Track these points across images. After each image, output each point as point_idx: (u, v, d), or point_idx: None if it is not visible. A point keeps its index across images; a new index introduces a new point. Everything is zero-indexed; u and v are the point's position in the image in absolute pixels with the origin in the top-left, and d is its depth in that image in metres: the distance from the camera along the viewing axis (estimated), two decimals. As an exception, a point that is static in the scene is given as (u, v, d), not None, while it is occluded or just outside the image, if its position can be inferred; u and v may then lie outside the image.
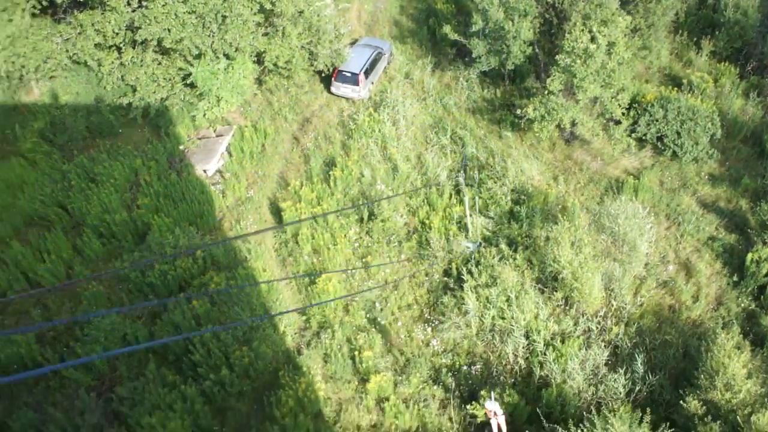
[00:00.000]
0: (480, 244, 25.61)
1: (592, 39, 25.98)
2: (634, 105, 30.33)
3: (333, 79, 32.82)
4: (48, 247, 25.39)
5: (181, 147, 30.32)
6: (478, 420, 20.89)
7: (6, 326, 23.60)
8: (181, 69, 30.39)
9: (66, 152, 29.73)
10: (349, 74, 32.40)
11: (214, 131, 31.38)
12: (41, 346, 22.89)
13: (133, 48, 29.69)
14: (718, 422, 18.51)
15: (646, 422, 17.92)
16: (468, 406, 20.99)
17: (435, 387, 22.21)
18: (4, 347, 22.28)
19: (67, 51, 29.83)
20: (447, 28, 31.89)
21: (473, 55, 30.88)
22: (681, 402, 19.62)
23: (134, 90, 30.80)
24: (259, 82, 33.04)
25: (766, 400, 18.49)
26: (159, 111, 31.06)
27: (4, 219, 26.84)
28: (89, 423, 20.40)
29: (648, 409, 18.85)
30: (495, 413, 19.24)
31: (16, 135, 30.48)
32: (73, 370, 22.05)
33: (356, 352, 22.83)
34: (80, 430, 20.30)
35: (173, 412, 20.51)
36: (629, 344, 22.48)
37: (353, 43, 35.09)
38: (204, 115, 30.94)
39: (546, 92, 27.89)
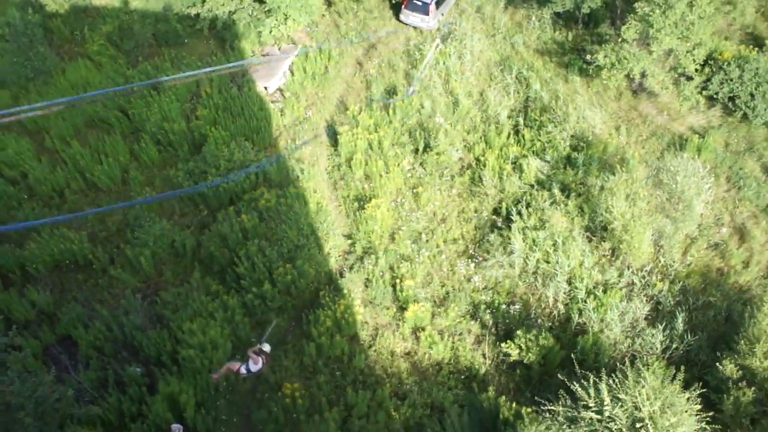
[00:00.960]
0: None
1: (675, -11, 25.14)
2: (709, 62, 29.24)
3: (403, 6, 32.35)
4: (106, 150, 25.94)
5: (245, 62, 30.39)
6: (511, 359, 21.01)
7: (61, 222, 24.21)
8: (251, -16, 30.33)
9: (131, 58, 30.10)
10: (420, 3, 31.87)
11: (279, 49, 31.36)
12: (93, 244, 23.56)
13: (205, -42, 29.69)
14: (753, 388, 18.30)
15: (679, 380, 17.71)
16: (503, 345, 21.12)
17: (472, 322, 22.33)
18: (58, 243, 23.00)
19: (140, -45, 29.98)
20: (524, -36, 31.16)
21: (548, -5, 30.18)
22: (717, 364, 19.39)
23: (203, 1, 30.83)
24: (329, 3, 32.81)
25: (805, 371, 18.20)
26: (226, 24, 31.12)
27: (67, 119, 27.42)
28: (133, 323, 21.06)
29: (682, 368, 18.62)
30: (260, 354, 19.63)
31: (84, 37, 30.94)
32: (121, 270, 22.69)
33: (397, 280, 23.01)
34: (124, 328, 21.01)
35: (214, 320, 21.06)
36: (672, 302, 22.21)
37: (427, -29, 34.46)
38: (270, 31, 30.94)
39: (619, 40, 27.17)
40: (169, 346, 20.59)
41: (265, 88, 29.37)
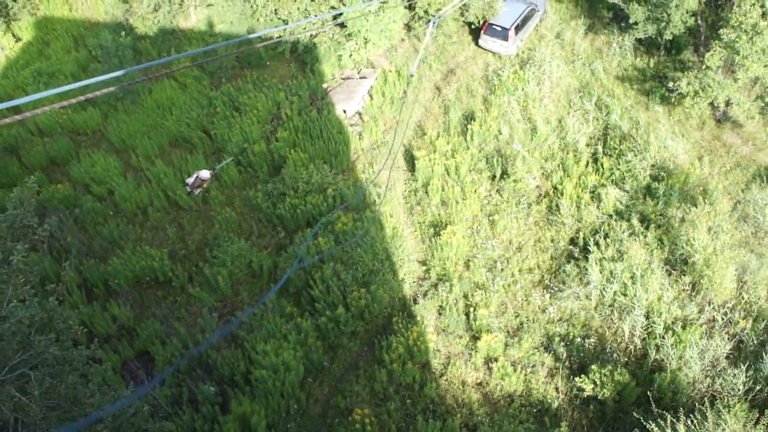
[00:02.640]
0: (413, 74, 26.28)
1: (763, 15, 24.48)
2: (797, 89, 28.49)
3: (482, 31, 32.34)
4: (189, 169, 26.58)
5: (325, 85, 30.85)
6: (585, 394, 20.67)
7: (144, 239, 25.02)
8: (333, 8, 30.76)
9: (215, 79, 30.88)
10: (499, 28, 31.81)
11: (358, 72, 31.70)
12: (173, 262, 24.18)
13: (290, -18, 30.28)
14: (843, 437, 17.60)
15: (763, 424, 17.19)
16: (576, 379, 20.79)
17: (545, 354, 22.07)
18: (140, 260, 23.69)
19: (226, -20, 30.74)
20: (606, -10, 30.88)
21: (630, 21, 29.66)
22: (806, 409, 18.70)
23: (285, 23, 31.42)
24: (408, 28, 33.04)
25: None
26: (307, 47, 31.67)
27: (152, 137, 28.31)
28: (209, 341, 21.47)
29: (766, 411, 18.08)
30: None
31: (171, 58, 31.79)
32: (199, 289, 23.20)
33: (471, 309, 22.94)
34: (199, 346, 21.41)
35: (287, 342, 21.34)
36: (755, 341, 21.51)
37: (507, -4, 34.38)
38: (350, 55, 31.33)
39: (703, 67, 26.56)
40: (243, 366, 20.96)
41: (344, 111, 29.72)
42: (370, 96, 30.61)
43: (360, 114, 30.11)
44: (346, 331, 22.16)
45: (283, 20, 31.48)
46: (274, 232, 25.43)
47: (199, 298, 23.27)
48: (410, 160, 27.82)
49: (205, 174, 22.02)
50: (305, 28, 31.08)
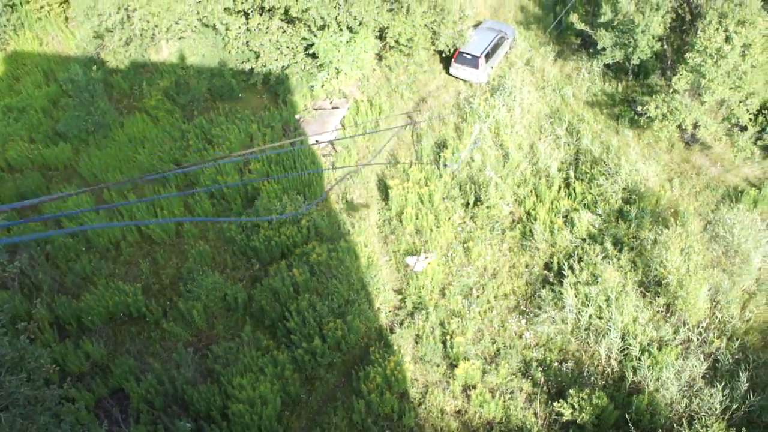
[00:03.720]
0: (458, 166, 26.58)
1: (727, 39, 24.90)
2: (763, 111, 28.84)
3: (453, 60, 32.62)
4: (162, 203, 26.42)
5: (297, 116, 30.93)
6: (564, 418, 20.65)
7: (117, 275, 24.79)
8: (304, 39, 30.95)
9: (187, 112, 30.84)
10: (469, 56, 32.10)
11: (330, 103, 31.81)
12: (146, 297, 23.96)
13: (260, 15, 30.39)
14: (818, 452, 17.71)
15: (741, 442, 17.29)
16: (555, 404, 20.77)
17: (523, 380, 22.05)
18: (113, 295, 23.45)
19: (197, 13, 30.81)
20: (574, 17, 31.27)
21: (598, 47, 30.09)
22: (781, 427, 18.84)
23: (257, 56, 31.54)
24: (379, 57, 33.27)
25: None
26: (279, 78, 31.76)
27: (124, 171, 28.12)
28: (184, 376, 21.25)
29: (743, 430, 18.17)
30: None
31: (142, 91, 31.81)
32: (174, 324, 22.99)
33: (448, 337, 22.90)
34: (175, 382, 21.19)
35: (264, 375, 21.17)
36: (731, 360, 21.64)
37: (477, 25, 34.62)
38: (322, 86, 31.45)
39: (671, 90, 26.97)
40: (219, 401, 20.73)
41: (317, 141, 29.76)
42: (343, 126, 30.70)
43: (332, 144, 30.15)
44: (323, 362, 22.02)
45: (255, 52, 31.58)
46: (248, 264, 25.28)
47: (173, 332, 23.03)
48: (383, 189, 27.86)
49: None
50: (277, 59, 31.16)
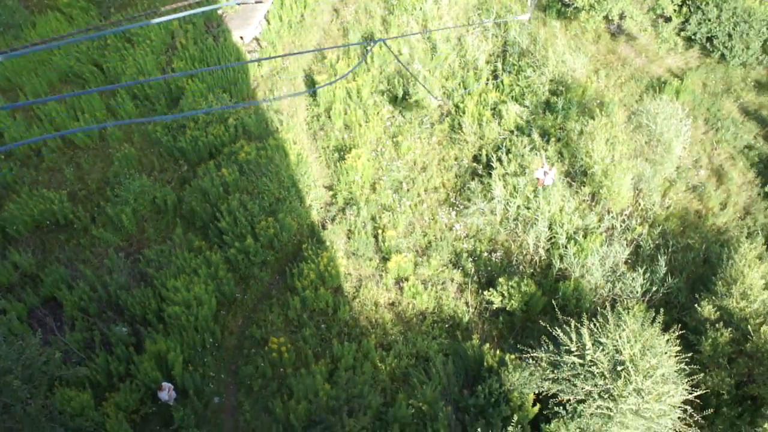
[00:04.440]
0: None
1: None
2: (687, 2, 29.08)
3: (378, -50, 31.76)
4: (82, 106, 25.55)
5: (219, 11, 29.89)
6: (494, 306, 21.31)
7: (40, 182, 24.12)
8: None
9: (103, 9, 29.53)
10: (395, -53, 31.28)
11: (254, -4, 30.82)
12: (73, 204, 23.43)
13: None
14: (729, 329, 18.69)
15: (659, 322, 18.09)
16: (485, 293, 21.37)
17: (454, 271, 22.55)
18: (38, 203, 22.83)
19: None
20: None
21: (525, -64, 29.70)
22: (695, 306, 19.75)
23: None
24: (303, -52, 32.20)
25: (780, 312, 18.62)
26: (199, -29, 30.51)
27: (39, 74, 27.00)
28: (117, 282, 21.07)
29: (662, 310, 19.00)
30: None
31: (54, -12, 30.27)
32: (103, 229, 22.62)
33: (380, 231, 23.15)
34: (108, 287, 21.01)
35: (198, 276, 21.14)
36: (651, 245, 22.50)
37: None
38: (244, -22, 30.36)
39: (597, -20, 26.94)
40: (154, 304, 20.67)
41: (241, 37, 28.92)
42: (267, 21, 29.82)
43: (257, 40, 29.35)
44: (256, 261, 22.07)
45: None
46: (176, 165, 24.83)
47: (103, 238, 22.66)
48: (311, 85, 27.44)
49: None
50: (195, -47, 29.88)
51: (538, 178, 23.06)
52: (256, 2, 30.26)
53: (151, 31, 27.72)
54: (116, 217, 22.64)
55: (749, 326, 18.42)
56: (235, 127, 24.98)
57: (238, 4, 30.29)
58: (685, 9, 28.65)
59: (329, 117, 26.37)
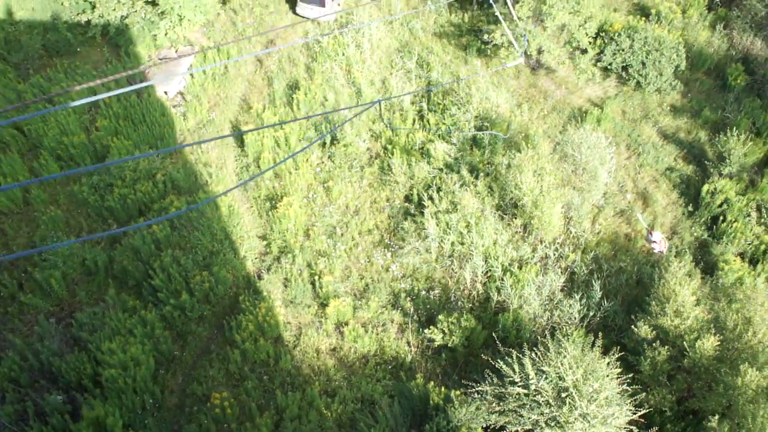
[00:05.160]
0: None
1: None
2: (601, 34, 30.15)
3: (299, -1, 32.15)
4: (4, 170, 24.97)
5: (142, 67, 29.73)
6: (435, 344, 21.30)
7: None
8: (142, -13, 29.61)
9: (21, 71, 29.01)
10: (315, -5, 31.70)
11: (176, 51, 30.76)
12: (-1, 271, 22.81)
13: (92, -38, 28.85)
14: (666, 347, 19.04)
15: (598, 346, 18.37)
16: (426, 330, 21.36)
17: (394, 311, 22.53)
18: (-40, 270, 22.19)
19: (22, -35, 28.89)
20: (414, -51, 31.36)
21: (440, -22, 30.43)
22: (632, 327, 20.09)
23: (93, 7, 29.97)
24: (223, 1, 32.33)
25: (711, 326, 19.01)
26: (119, 29, 30.31)
27: (-42, 142, 26.36)
28: (49, 348, 20.40)
29: (600, 334, 19.32)
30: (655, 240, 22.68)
31: (-32, 52, 29.70)
32: (32, 295, 22.00)
33: (316, 277, 23.03)
34: (40, 355, 20.30)
35: (134, 337, 20.61)
36: (585, 271, 22.88)
37: (319, -38, 34.15)
38: (165, 34, 30.29)
39: (514, 18, 27.61)
40: (90, 368, 20.04)
41: (165, 92, 28.79)
42: (191, 75, 29.79)
43: (182, 94, 29.27)
44: (193, 316, 21.70)
45: (90, 2, 29.97)
46: (105, 225, 24.35)
47: (32, 304, 21.98)
48: (238, 136, 27.38)
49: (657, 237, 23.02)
50: (115, 9, 29.70)
51: (654, 247, 23.48)
52: (179, 57, 30.22)
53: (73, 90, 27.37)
54: (45, 281, 22.02)
55: (685, 342, 18.78)
56: (164, 183, 24.71)
57: (161, 60, 30.23)
58: (599, 40, 29.64)
59: (258, 166, 26.29)
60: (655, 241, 23.02)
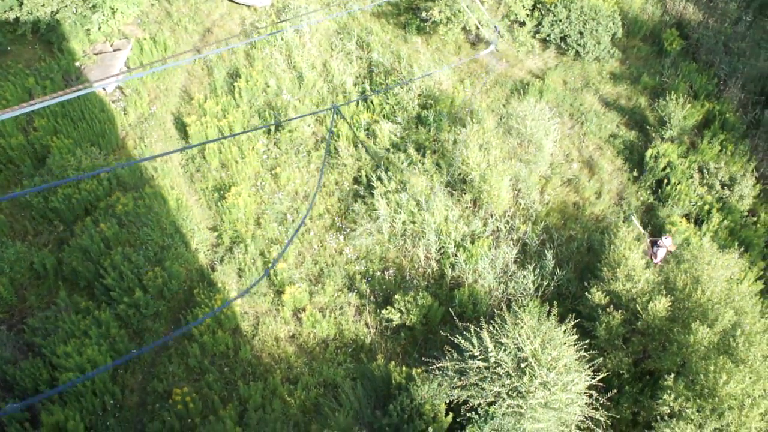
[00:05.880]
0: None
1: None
2: (537, 6, 30.35)
3: (232, -14, 31.72)
4: (-62, 180, 24.33)
5: (77, 64, 29.05)
6: (394, 323, 21.42)
7: None
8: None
9: (-51, 73, 28.20)
10: (249, -19, 31.33)
11: (111, 45, 30.12)
12: (-57, 281, 22.19)
13: (16, -44, 28.03)
14: (620, 311, 19.41)
15: (554, 315, 18.65)
16: (383, 311, 21.44)
17: (350, 294, 22.56)
18: None
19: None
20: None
21: (375, -43, 30.29)
22: (586, 294, 20.40)
23: (21, 3, 29.15)
24: (156, -9, 31.79)
25: (662, 287, 19.41)
26: (50, 26, 29.55)
27: None
28: (2, 356, 19.97)
29: (555, 303, 19.62)
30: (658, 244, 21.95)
31: None
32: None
33: (270, 265, 22.92)
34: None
35: (89, 338, 20.27)
36: (537, 242, 23.18)
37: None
38: (99, 28, 29.65)
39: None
40: (46, 374, 19.65)
41: (103, 88, 28.22)
42: (128, 68, 29.24)
43: (121, 88, 28.72)
44: (148, 313, 21.40)
45: None
46: (51, 227, 23.84)
47: (-20, 313, 21.59)
48: (181, 128, 26.99)
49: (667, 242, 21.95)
50: (44, 5, 28.94)
51: (654, 252, 22.33)
52: (115, 51, 29.64)
53: (6, 91, 26.64)
54: (-8, 289, 21.59)
55: (637, 305, 19.17)
56: (109, 180, 24.29)
57: (95, 54, 29.60)
58: (536, 12, 29.86)
59: (204, 158, 26.00)
60: (663, 247, 22.17)
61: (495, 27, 28.09)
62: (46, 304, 21.92)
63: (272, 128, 26.56)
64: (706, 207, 24.18)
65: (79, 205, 23.62)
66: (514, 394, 17.34)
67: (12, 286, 21.86)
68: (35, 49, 29.69)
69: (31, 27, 29.48)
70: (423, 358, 19.74)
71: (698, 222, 24.23)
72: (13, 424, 18.66)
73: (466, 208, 24.17)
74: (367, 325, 21.93)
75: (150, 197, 23.83)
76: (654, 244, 22.17)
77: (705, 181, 24.89)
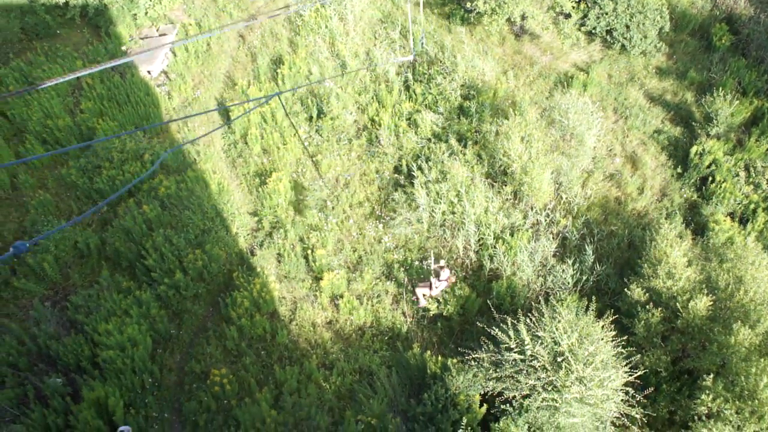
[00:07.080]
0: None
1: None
2: (583, -3, 30.12)
3: (278, -27, 31.85)
4: (-11, 153, 24.83)
5: (124, 47, 29.45)
6: (431, 313, 21.43)
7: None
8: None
9: (1, 56, 28.69)
10: (294, -32, 31.43)
11: (157, 30, 30.47)
12: (-9, 256, 22.59)
13: (68, -59, 28.46)
14: (660, 308, 19.17)
15: (592, 310, 18.47)
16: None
17: (388, 283, 22.59)
18: (-48, 258, 21.93)
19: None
20: None
21: (421, -54, 30.15)
22: (625, 290, 20.20)
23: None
24: (202, -24, 32.03)
25: (703, 286, 19.14)
26: (98, 10, 30.01)
27: (-59, 127, 26.09)
28: (46, 332, 20.37)
29: (594, 298, 19.43)
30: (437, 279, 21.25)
31: (-53, 38, 29.32)
32: (25, 280, 21.88)
33: (309, 251, 23.04)
34: (37, 339, 20.26)
35: (129, 317, 20.61)
36: (577, 236, 23.00)
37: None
38: (146, 13, 30.04)
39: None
40: (87, 350, 20.04)
41: (149, 72, 28.56)
42: (173, 53, 29.55)
43: (165, 73, 29.03)
44: (187, 295, 21.70)
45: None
46: (94, 207, 24.24)
47: (26, 289, 21.91)
48: (224, 113, 27.22)
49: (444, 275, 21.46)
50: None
51: (419, 295, 21.89)
52: (160, 35, 29.95)
53: (54, 72, 27.08)
54: (38, 266, 21.95)
55: (678, 303, 18.93)
56: (152, 163, 24.56)
57: (142, 38, 29.94)
58: (582, 4, 29.55)
59: (246, 143, 26.20)
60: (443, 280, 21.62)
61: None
62: (89, 283, 22.27)
63: (314, 116, 26.63)
64: (752, 206, 23.78)
65: (123, 186, 23.92)
66: (550, 388, 17.24)
67: (57, 264, 22.28)
68: (83, 33, 30.13)
69: (80, 11, 29.95)
70: (459, 349, 19.72)
71: (743, 221, 23.84)
72: (55, 397, 19.02)
73: (507, 200, 24.04)
74: (403, 313, 21.96)
75: (192, 181, 24.08)
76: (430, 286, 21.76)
77: (751, 180, 24.47)
